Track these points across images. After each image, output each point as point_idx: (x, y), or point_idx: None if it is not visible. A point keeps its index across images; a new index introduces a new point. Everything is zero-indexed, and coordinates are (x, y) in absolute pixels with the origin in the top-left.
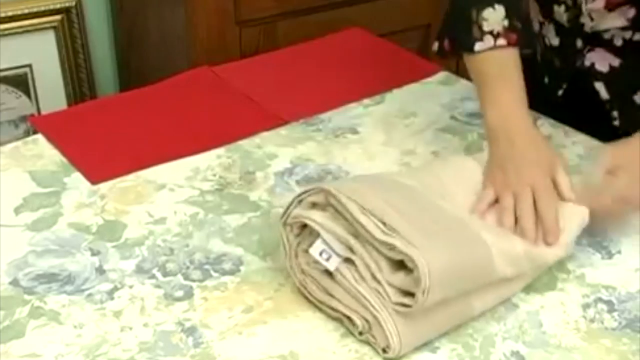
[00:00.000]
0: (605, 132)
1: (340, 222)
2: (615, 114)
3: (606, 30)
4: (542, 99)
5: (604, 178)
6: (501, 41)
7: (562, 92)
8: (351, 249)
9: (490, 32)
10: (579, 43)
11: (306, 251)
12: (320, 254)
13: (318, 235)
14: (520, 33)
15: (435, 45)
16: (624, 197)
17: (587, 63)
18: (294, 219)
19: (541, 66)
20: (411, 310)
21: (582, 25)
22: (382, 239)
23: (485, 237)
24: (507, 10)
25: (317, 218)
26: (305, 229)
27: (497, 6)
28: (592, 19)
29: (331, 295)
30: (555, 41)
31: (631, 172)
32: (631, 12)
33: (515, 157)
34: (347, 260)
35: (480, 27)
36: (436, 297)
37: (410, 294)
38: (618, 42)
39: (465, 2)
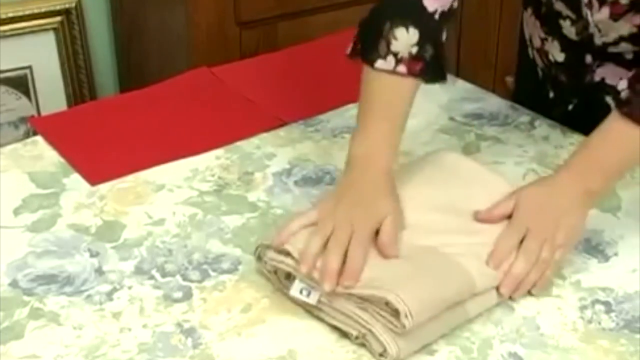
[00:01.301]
0: None
1: None
2: None
3: (616, 43)
4: (548, 114)
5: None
6: (401, 68)
7: (573, 106)
8: None
9: (395, 54)
10: (588, 58)
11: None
12: (300, 292)
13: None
14: (426, 64)
15: (350, 47)
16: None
17: (597, 78)
18: (270, 260)
19: (544, 82)
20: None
21: (592, 37)
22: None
23: (459, 260)
24: (421, 37)
25: (288, 261)
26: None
27: (411, 29)
28: (599, 30)
29: (324, 312)
30: (560, 57)
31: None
32: (637, 19)
33: (359, 194)
34: None
35: (387, 44)
36: (421, 319)
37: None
38: (628, 56)
39: (383, 13)
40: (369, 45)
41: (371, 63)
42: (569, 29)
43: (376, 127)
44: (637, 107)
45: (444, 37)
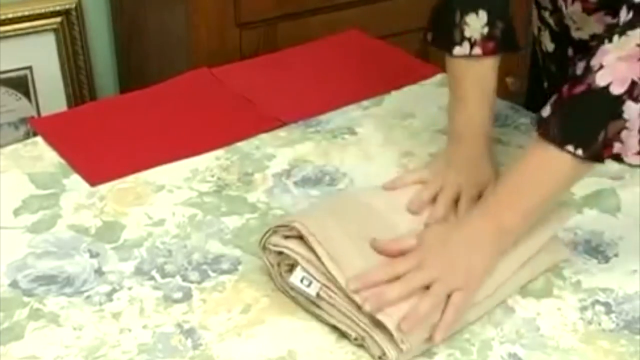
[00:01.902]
0: None
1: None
2: None
3: (592, 39)
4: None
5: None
6: (477, 50)
7: None
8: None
9: (469, 39)
10: (570, 51)
11: (289, 271)
12: (301, 280)
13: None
14: (498, 41)
15: (428, 36)
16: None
17: (578, 72)
18: (274, 247)
19: (542, 71)
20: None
21: (569, 29)
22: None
23: None
24: (489, 16)
25: (294, 247)
26: (284, 254)
27: (480, 12)
28: (574, 22)
29: (323, 310)
30: (550, 47)
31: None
32: (608, 19)
33: (466, 156)
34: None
35: (462, 32)
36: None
37: None
38: None
39: (453, 2)
40: (444, 34)
41: (449, 51)
42: (549, 19)
43: (470, 102)
44: (555, 127)
45: (510, 11)
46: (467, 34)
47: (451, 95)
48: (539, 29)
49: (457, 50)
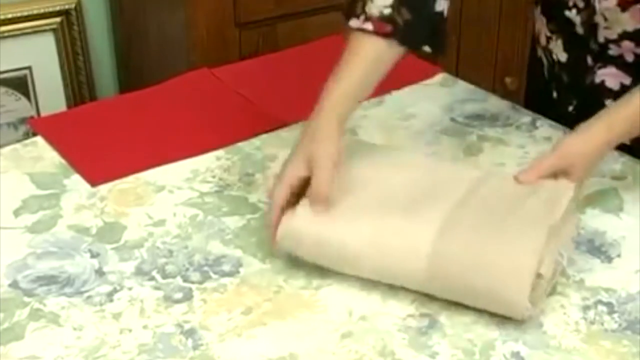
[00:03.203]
0: (615, 149)
1: None
2: None
3: (619, 40)
4: (552, 114)
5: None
6: (368, 25)
7: (573, 107)
8: None
9: (365, 13)
10: (589, 60)
11: None
12: None
13: None
14: (397, 27)
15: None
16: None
17: (597, 80)
18: None
19: (549, 81)
20: None
21: (596, 29)
22: None
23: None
24: (397, 1)
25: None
26: None
27: None
28: (605, 19)
29: None
30: (563, 57)
31: (574, 175)
32: None
33: (307, 133)
34: None
35: (363, 5)
36: None
37: None
38: (629, 59)
39: None
40: (349, 5)
41: (347, 21)
42: (575, 18)
43: (337, 79)
44: None
45: (436, 7)
46: (367, 8)
47: (334, 71)
48: (548, 38)
49: (353, 22)
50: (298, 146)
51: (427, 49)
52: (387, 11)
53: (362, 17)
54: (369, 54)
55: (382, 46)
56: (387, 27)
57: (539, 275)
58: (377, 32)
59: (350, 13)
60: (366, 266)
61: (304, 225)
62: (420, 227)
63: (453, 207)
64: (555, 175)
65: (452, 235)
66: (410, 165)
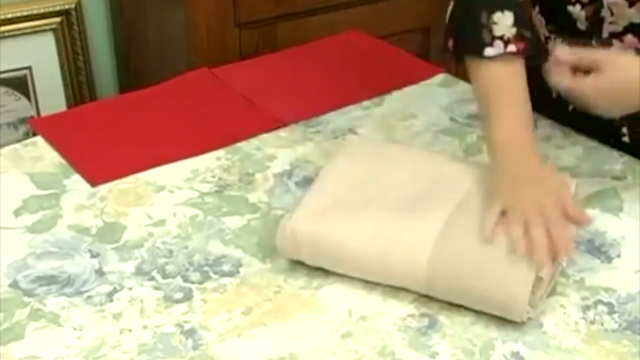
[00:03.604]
0: (615, 149)
1: None
2: (624, 130)
3: (622, 34)
4: (551, 114)
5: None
6: (511, 47)
7: (572, 107)
8: None
9: (501, 38)
10: None
11: None
12: None
13: None
14: (528, 42)
15: (442, 43)
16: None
17: None
18: None
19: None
20: None
21: (601, 24)
22: None
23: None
24: (515, 17)
25: None
26: None
27: (506, 12)
28: (612, 13)
29: None
30: None
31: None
32: None
33: (529, 174)
34: None
35: (490, 31)
36: None
37: None
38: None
39: (476, 3)
40: (472, 37)
41: (479, 53)
42: (579, 14)
43: (508, 112)
44: None
45: (530, 17)
46: (497, 32)
47: (484, 106)
48: (547, 38)
49: (489, 51)
50: (518, 185)
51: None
52: (514, 30)
53: (498, 42)
54: (518, 77)
55: (521, 66)
56: (522, 45)
57: (538, 278)
58: (518, 52)
59: (478, 43)
60: (366, 267)
61: (303, 226)
62: (420, 230)
63: (453, 210)
64: (585, 70)
65: (452, 238)
66: (410, 163)
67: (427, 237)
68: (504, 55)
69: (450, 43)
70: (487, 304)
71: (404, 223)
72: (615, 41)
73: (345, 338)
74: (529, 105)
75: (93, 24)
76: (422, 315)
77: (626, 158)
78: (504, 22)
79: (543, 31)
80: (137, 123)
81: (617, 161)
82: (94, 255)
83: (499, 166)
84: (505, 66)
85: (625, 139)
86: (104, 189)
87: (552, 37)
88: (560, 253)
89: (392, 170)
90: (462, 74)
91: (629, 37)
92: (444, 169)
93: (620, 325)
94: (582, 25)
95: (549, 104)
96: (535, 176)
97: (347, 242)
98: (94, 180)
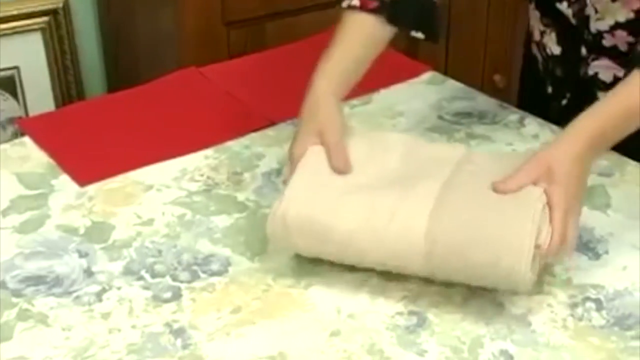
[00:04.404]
0: None
1: None
2: None
3: (611, 30)
4: (546, 108)
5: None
6: (355, 2)
7: (566, 101)
8: None
9: None
10: (583, 51)
11: None
12: None
13: None
14: (383, 4)
15: None
16: (565, 207)
17: (590, 72)
18: None
19: (544, 76)
20: None
21: (588, 20)
22: None
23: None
24: None
25: None
26: None
27: None
28: (596, 11)
29: None
30: (556, 50)
31: (559, 181)
32: (636, 3)
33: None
34: None
35: None
36: None
37: None
38: (623, 48)
39: None
40: None
41: (340, 2)
42: (567, 11)
43: (329, 55)
44: None
45: None
46: None
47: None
48: (542, 33)
49: (344, 2)
50: (301, 126)
51: (419, 35)
52: None
53: None
54: (359, 30)
55: (371, 22)
56: (373, 3)
57: (537, 246)
58: (362, 8)
59: None
60: (361, 248)
61: (294, 210)
62: (414, 206)
63: (443, 185)
64: (535, 182)
65: (447, 211)
66: (398, 145)
67: (421, 213)
68: (350, 9)
69: None
70: (489, 276)
71: (396, 201)
72: (606, 35)
73: (334, 336)
74: (353, 55)
75: (81, 24)
76: (411, 313)
77: (613, 155)
78: None
79: (538, 25)
80: (125, 122)
81: (603, 158)
82: (82, 255)
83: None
84: (350, 19)
85: None
86: (92, 188)
87: (547, 31)
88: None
89: (380, 152)
90: (451, 72)
91: (619, 32)
92: (431, 150)
93: (608, 321)
94: (573, 20)
95: (543, 99)
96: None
97: (340, 224)
98: (82, 180)
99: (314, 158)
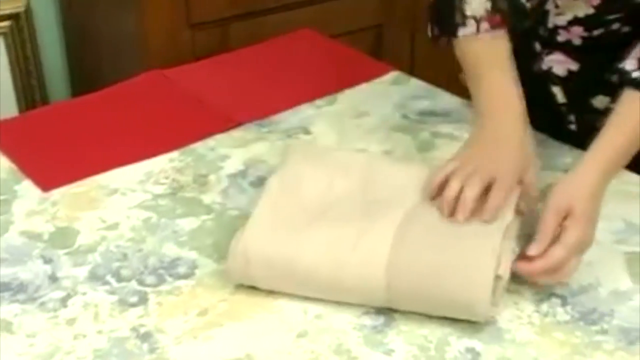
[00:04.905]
0: (562, 137)
1: None
2: (571, 118)
3: (568, 25)
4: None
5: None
6: (484, 25)
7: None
8: None
9: (473, 17)
10: (537, 46)
11: None
12: None
13: None
14: (504, 13)
15: (429, 31)
16: (575, 247)
17: (544, 67)
18: None
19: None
20: None
21: (547, 16)
22: None
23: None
24: None
25: None
26: None
27: None
28: (557, 6)
29: None
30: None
31: (578, 219)
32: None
33: (498, 139)
34: None
35: (462, 12)
36: None
37: None
38: (577, 42)
39: None
40: (447, 20)
41: (454, 34)
42: (525, 5)
43: (493, 80)
44: None
45: None
46: (468, 12)
47: (470, 79)
48: None
49: (462, 31)
50: (463, 153)
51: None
52: (489, 5)
53: (471, 22)
54: (500, 49)
55: (502, 38)
56: (496, 18)
57: (497, 277)
58: (492, 27)
59: (453, 26)
60: (322, 282)
61: (255, 246)
62: (375, 238)
63: (404, 216)
64: (562, 227)
65: (407, 243)
66: (358, 170)
67: (382, 246)
68: (478, 33)
69: (436, 30)
70: (449, 308)
71: (357, 232)
72: (561, 31)
73: (301, 337)
74: (513, 73)
75: (43, 28)
76: (377, 312)
77: (576, 151)
78: (477, 1)
79: None
80: (89, 126)
81: (567, 154)
82: (46, 261)
83: (476, 132)
84: (483, 42)
85: (573, 127)
86: (55, 193)
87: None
88: (487, 214)
89: (340, 179)
90: (416, 72)
91: (575, 28)
92: (391, 174)
93: (572, 316)
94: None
95: None
96: (508, 141)
97: (302, 258)
98: (46, 185)
99: (275, 187)
